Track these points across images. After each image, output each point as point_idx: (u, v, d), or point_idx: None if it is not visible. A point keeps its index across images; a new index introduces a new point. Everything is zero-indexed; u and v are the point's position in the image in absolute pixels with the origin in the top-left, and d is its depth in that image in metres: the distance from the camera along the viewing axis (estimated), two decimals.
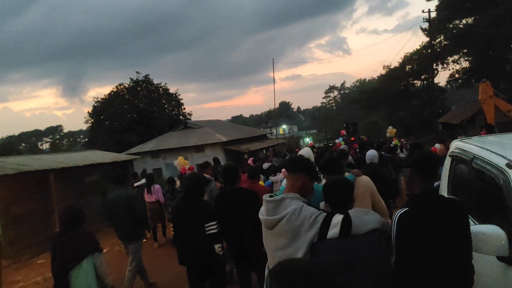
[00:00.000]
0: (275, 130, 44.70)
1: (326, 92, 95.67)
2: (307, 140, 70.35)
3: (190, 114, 39.22)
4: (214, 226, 4.19)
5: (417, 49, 36.34)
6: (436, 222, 2.42)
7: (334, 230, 2.37)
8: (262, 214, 2.67)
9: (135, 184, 10.40)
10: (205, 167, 7.94)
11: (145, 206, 8.75)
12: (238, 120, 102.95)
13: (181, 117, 37.31)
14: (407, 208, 2.55)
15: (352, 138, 24.17)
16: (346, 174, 3.93)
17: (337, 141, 24.09)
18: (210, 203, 4.46)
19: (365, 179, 3.97)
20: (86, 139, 42.81)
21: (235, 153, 23.96)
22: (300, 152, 5.40)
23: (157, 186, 9.48)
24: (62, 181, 12.32)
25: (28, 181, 11.12)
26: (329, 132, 61.51)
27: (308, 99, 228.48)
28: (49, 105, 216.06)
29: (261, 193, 4.03)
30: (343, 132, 29.02)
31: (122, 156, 19.16)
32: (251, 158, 12.76)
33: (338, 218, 2.40)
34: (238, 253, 4.42)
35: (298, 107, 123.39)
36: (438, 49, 31.31)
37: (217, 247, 4.20)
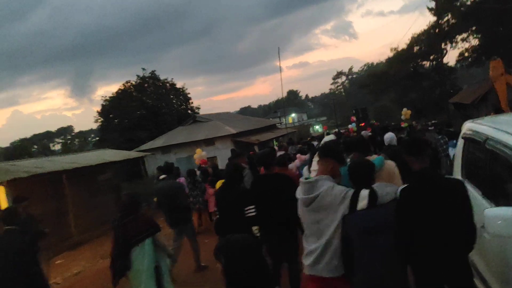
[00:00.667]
0: (284, 119, 44.61)
1: (334, 78, 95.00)
2: (317, 127, 70.10)
3: (198, 108, 39.21)
4: (252, 210, 4.53)
5: (424, 29, 35.77)
6: (432, 196, 2.73)
7: (363, 202, 2.87)
8: (299, 194, 3.18)
9: (160, 177, 10.70)
10: (238, 156, 8.32)
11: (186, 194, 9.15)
12: (246, 111, 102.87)
13: (189, 111, 37.31)
14: (407, 185, 2.92)
15: (362, 124, 23.98)
16: (375, 156, 4.16)
17: (349, 126, 24.03)
18: (248, 189, 4.90)
19: (391, 164, 4.19)
20: (97, 138, 43.13)
21: (245, 145, 23.96)
22: (326, 138, 5.71)
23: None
24: (75, 181, 12.43)
25: (41, 183, 11.22)
26: (339, 119, 61.18)
27: (316, 86, 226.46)
28: (59, 106, 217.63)
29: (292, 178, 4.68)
30: (353, 118, 28.85)
31: (133, 154, 19.30)
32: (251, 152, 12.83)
33: (365, 192, 2.90)
34: (271, 234, 4.70)
35: (307, 95, 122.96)
36: (446, 28, 30.82)
37: (254, 229, 4.51)
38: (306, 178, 3.17)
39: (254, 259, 2.03)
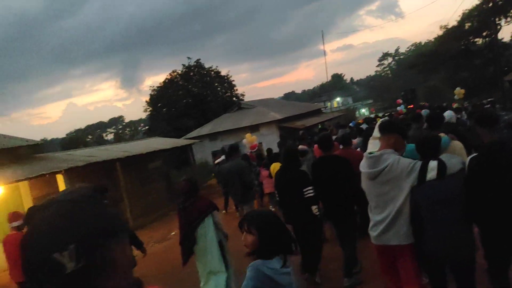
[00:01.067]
0: (329, 103, 44.04)
1: (379, 60, 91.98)
2: (363, 111, 68.62)
3: (243, 95, 39.37)
4: (311, 191, 4.76)
5: (476, 5, 33.94)
6: (500, 164, 2.87)
7: (432, 173, 2.94)
8: (364, 167, 3.32)
9: (216, 161, 11.41)
10: (301, 140, 8.93)
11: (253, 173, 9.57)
12: (290, 96, 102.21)
13: (234, 98, 37.58)
14: (476, 154, 3.06)
15: (411, 106, 23.29)
16: (442, 135, 4.23)
17: (398, 108, 23.55)
18: (305, 171, 5.09)
19: (458, 144, 4.22)
20: (147, 127, 44.34)
21: (290, 130, 23.90)
22: (381, 120, 5.86)
23: None
24: (127, 169, 12.92)
25: (96, 171, 11.75)
26: (386, 101, 59.55)
27: (361, 69, 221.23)
28: (110, 97, 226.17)
29: (353, 157, 4.91)
30: (399, 101, 28.08)
31: (181, 141, 19.77)
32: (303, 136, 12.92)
33: (433, 163, 2.97)
34: (332, 213, 4.92)
35: (351, 78, 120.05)
36: (500, 2, 29.08)
37: (313, 208, 4.74)
38: (369, 153, 3.30)
39: (281, 229, 2.34)
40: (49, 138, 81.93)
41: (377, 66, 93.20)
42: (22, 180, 9.89)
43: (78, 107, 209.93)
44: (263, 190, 9.98)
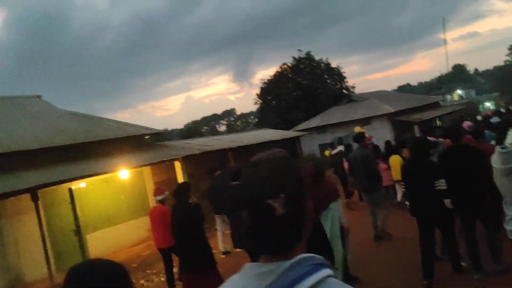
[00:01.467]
0: (449, 96, 41.00)
1: (510, 49, 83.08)
2: (488, 104, 62.87)
3: (354, 87, 38.37)
4: (443, 183, 4.61)
5: None
6: None
7: None
8: (497, 163, 3.18)
9: (333, 152, 11.55)
10: (432, 130, 9.14)
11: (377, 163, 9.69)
12: (405, 89, 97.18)
13: (344, 90, 36.82)
14: None
15: None
16: None
17: None
18: (435, 162, 4.98)
19: None
20: (257, 119, 45.55)
21: (404, 124, 22.74)
22: None
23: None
24: (238, 158, 13.43)
25: (210, 159, 12.40)
26: None
27: (488, 59, 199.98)
28: (223, 90, 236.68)
29: (485, 151, 4.56)
30: None
31: (290, 133, 19.99)
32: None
33: None
34: (462, 204, 4.73)
35: (476, 69, 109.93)
36: None
37: (446, 202, 4.60)
38: (502, 148, 3.16)
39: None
40: (169, 128, 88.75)
41: (507, 55, 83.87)
42: (146, 165, 10.83)
43: (195, 100, 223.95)
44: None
